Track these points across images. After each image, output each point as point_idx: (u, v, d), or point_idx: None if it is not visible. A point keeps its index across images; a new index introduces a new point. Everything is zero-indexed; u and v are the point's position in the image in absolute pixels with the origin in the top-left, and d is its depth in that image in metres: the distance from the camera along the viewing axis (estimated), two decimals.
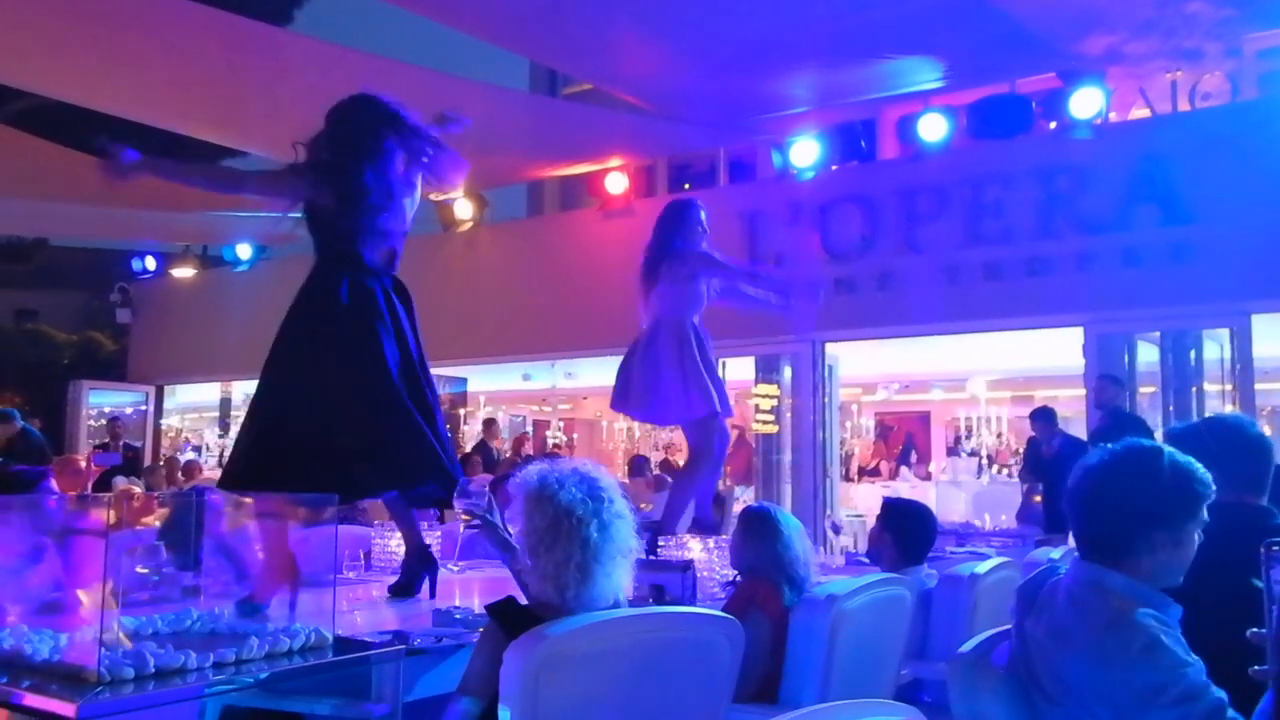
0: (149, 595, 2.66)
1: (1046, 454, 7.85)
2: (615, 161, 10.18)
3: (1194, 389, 8.27)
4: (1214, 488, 1.94)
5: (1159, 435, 7.32)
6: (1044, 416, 8.13)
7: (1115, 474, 1.93)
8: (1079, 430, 8.20)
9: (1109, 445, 1.98)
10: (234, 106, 8.44)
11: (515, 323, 10.50)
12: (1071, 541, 2.14)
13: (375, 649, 2.34)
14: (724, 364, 9.37)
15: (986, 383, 12.78)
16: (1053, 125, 8.48)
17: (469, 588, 4.05)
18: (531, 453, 12.04)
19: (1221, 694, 1.76)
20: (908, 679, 3.42)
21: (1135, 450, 1.96)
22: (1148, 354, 8.31)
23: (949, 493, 11.31)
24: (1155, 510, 1.90)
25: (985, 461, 12.58)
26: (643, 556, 3.74)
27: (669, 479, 7.53)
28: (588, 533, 2.17)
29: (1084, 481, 1.97)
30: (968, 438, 13.60)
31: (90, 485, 7.89)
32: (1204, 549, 1.93)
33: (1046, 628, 1.91)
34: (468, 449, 11.09)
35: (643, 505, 5.63)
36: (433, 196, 11.47)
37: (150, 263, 13.67)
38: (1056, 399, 12.33)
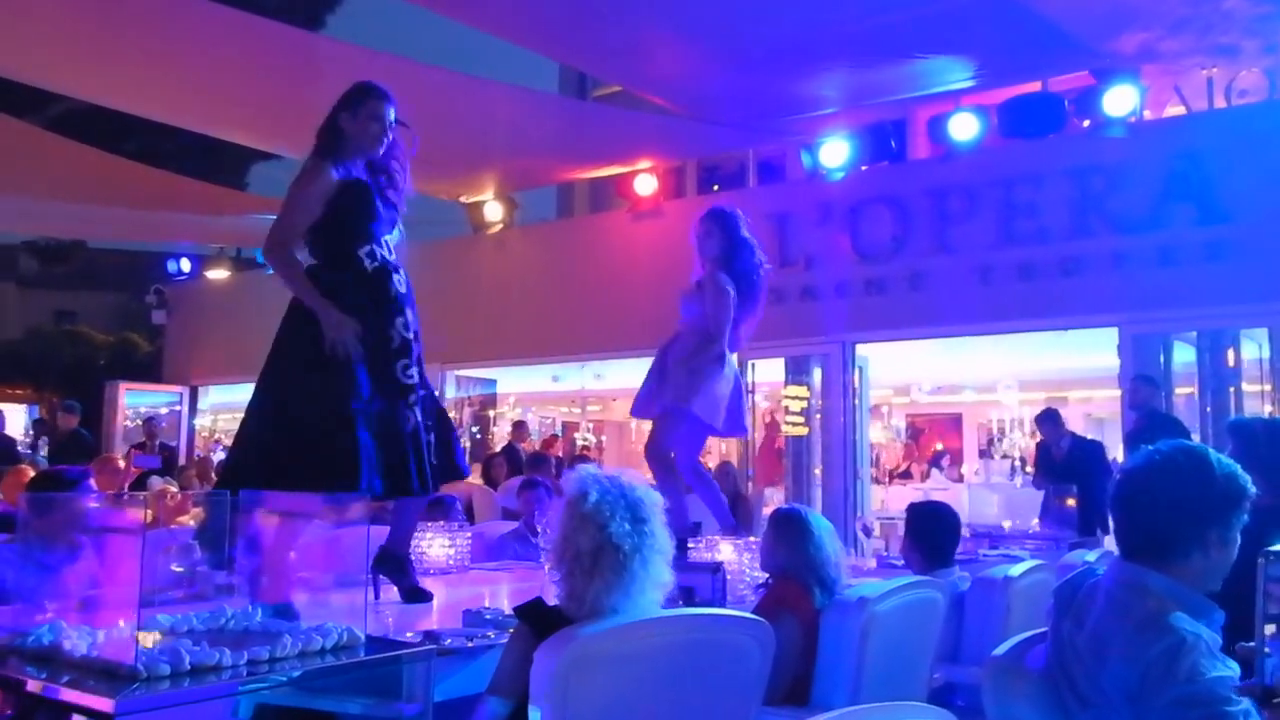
0: (184, 593, 2.68)
1: (1057, 456, 7.78)
2: (644, 163, 10.19)
3: (1232, 389, 8.15)
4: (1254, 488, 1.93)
5: (1196, 436, 7.24)
6: (1050, 419, 8.05)
7: (1168, 473, 1.92)
8: (1114, 431, 8.10)
9: (1149, 446, 1.97)
10: (265, 110, 8.53)
11: (545, 324, 10.53)
12: (1107, 544, 2.14)
13: (406, 649, 2.35)
14: (753, 365, 9.42)
15: (1020, 384, 12.66)
16: (1086, 124, 8.38)
17: (498, 589, 4.07)
18: (560, 455, 12.06)
19: (1244, 707, 1.74)
20: (940, 682, 3.40)
21: (1184, 449, 1.96)
22: (1184, 354, 8.20)
23: (982, 495, 11.21)
24: (1210, 508, 1.89)
25: (1018, 463, 12.46)
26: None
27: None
28: (630, 565, 2.15)
29: (1130, 482, 1.96)
30: (1000, 440, 13.48)
31: (128, 485, 8.00)
32: (1244, 549, 1.92)
33: (1085, 630, 1.90)
34: (496, 449, 11.12)
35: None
36: (463, 199, 11.58)
37: (185, 265, 13.84)
38: (1091, 400, 12.22)
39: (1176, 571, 1.87)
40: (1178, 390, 8.12)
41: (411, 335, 3.29)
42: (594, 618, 2.14)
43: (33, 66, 8.24)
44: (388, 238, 3.33)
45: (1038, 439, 8.75)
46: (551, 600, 2.27)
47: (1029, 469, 12.20)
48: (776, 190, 10.66)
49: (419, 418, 3.25)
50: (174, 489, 7.47)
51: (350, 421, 3.05)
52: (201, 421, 14.38)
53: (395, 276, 3.29)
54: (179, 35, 7.13)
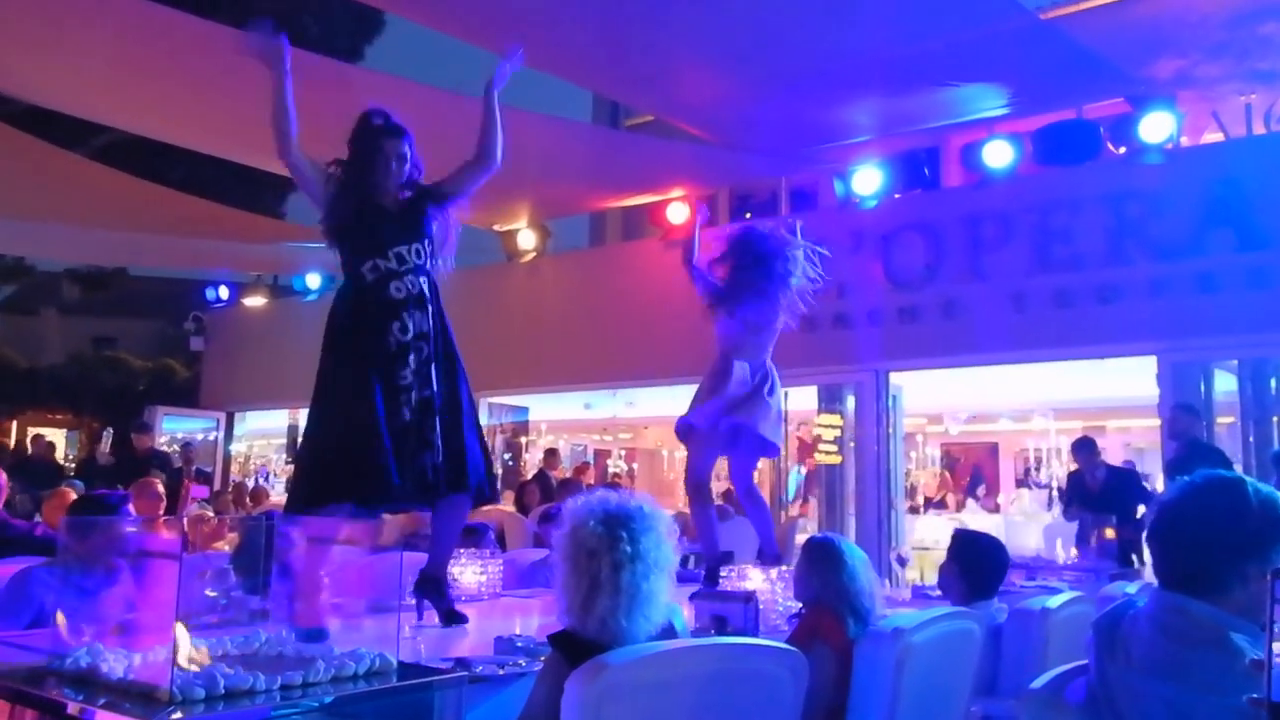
0: (218, 617, 2.70)
1: (1092, 485, 7.67)
2: (677, 192, 10.23)
3: (1275, 419, 8.01)
4: None
5: (1239, 467, 7.11)
6: (1086, 447, 7.93)
7: (1202, 506, 1.87)
8: (1154, 461, 7.97)
9: (1185, 478, 1.93)
10: (305, 140, 8.65)
11: (577, 352, 10.55)
12: (1148, 575, 2.09)
13: (438, 675, 2.35)
14: (786, 394, 9.34)
15: (1056, 413, 12.51)
16: (1122, 150, 8.31)
17: (530, 616, 4.05)
18: (592, 482, 12.04)
19: None
20: (977, 716, 3.34)
21: (1220, 481, 1.91)
22: (1225, 383, 8.07)
23: (1018, 525, 11.06)
24: (1246, 541, 1.84)
25: (1055, 493, 12.29)
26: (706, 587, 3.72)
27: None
28: (626, 577, 2.17)
29: (1165, 515, 1.92)
30: (1037, 469, 13.31)
31: (181, 512, 8.09)
32: None
33: (1135, 660, 1.85)
34: (528, 477, 11.14)
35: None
36: (496, 227, 11.68)
37: (223, 292, 14.06)
38: (1130, 430, 12.03)
39: (1219, 603, 1.83)
40: (1219, 419, 7.99)
41: (410, 338, 3.35)
42: (603, 637, 2.15)
43: (79, 99, 8.44)
44: (401, 249, 3.42)
45: (1072, 468, 8.64)
46: None
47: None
48: (809, 218, 10.58)
49: (407, 417, 3.31)
50: (210, 514, 7.54)
51: (365, 427, 3.19)
52: (237, 447, 14.53)
53: (395, 283, 3.38)
54: (220, 67, 7.26)
